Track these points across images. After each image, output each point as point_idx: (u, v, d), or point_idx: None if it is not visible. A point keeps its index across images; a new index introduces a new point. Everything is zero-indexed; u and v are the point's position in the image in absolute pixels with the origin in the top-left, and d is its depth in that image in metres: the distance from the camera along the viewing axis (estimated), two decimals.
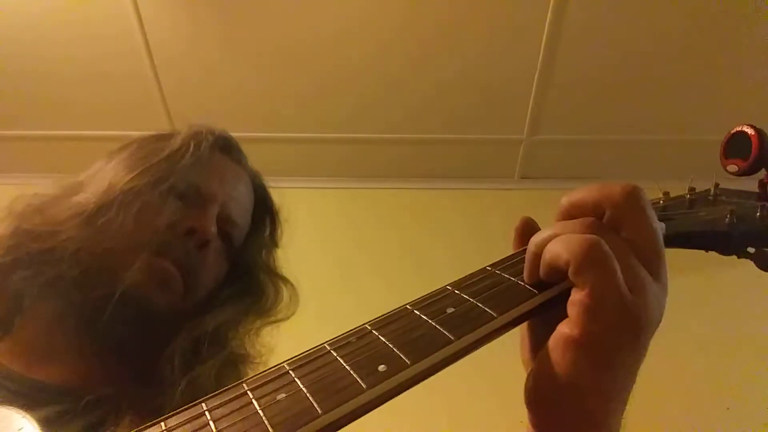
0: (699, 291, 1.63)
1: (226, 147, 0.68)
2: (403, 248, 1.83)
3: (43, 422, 0.38)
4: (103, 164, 0.61)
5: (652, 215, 0.34)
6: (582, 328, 0.30)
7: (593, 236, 0.31)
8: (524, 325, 0.38)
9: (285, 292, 0.69)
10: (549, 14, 1.68)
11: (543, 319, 0.35)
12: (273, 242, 0.73)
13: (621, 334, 0.30)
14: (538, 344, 0.37)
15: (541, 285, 0.34)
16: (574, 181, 1.97)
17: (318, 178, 2.04)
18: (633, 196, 0.33)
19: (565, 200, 0.36)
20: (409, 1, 1.70)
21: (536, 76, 1.81)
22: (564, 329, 0.31)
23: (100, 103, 1.88)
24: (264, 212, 0.72)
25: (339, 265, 1.80)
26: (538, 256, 0.33)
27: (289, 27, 1.75)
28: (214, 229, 0.58)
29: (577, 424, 0.32)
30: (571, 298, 0.31)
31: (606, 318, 0.30)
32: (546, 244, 0.33)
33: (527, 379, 0.34)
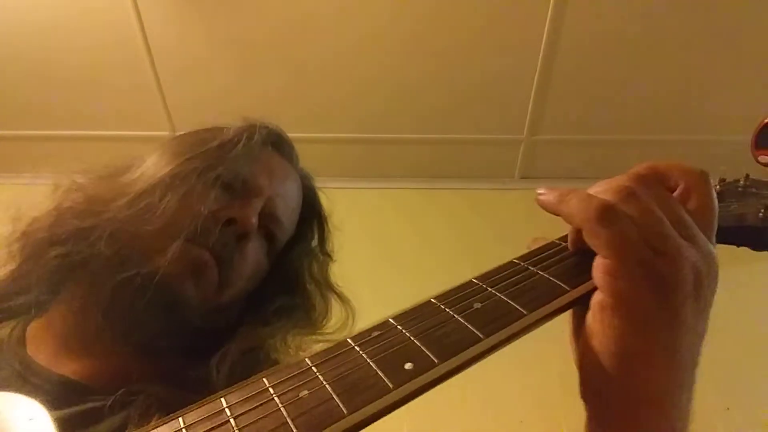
0: None
1: (279, 143, 0.66)
2: (402, 248, 1.83)
3: (64, 422, 0.37)
4: (153, 151, 0.59)
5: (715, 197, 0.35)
6: (608, 289, 0.30)
7: (606, 201, 0.31)
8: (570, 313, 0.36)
9: (338, 309, 0.66)
10: (549, 14, 1.68)
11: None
12: (323, 252, 0.70)
13: (646, 292, 0.29)
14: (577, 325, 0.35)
15: (573, 281, 0.32)
16: (574, 181, 1.98)
17: (317, 178, 2.04)
18: (706, 177, 0.35)
19: (642, 168, 0.36)
20: (409, 2, 1.70)
21: (536, 76, 1.81)
22: (596, 297, 0.31)
23: (100, 103, 1.88)
24: (312, 216, 0.69)
25: (338, 265, 1.79)
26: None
27: (290, 27, 1.75)
28: (255, 221, 0.55)
29: (633, 412, 0.30)
30: (594, 264, 0.31)
31: (628, 275, 0.30)
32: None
33: (579, 372, 0.33)
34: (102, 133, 1.93)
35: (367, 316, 0.33)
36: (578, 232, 0.34)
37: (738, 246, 0.41)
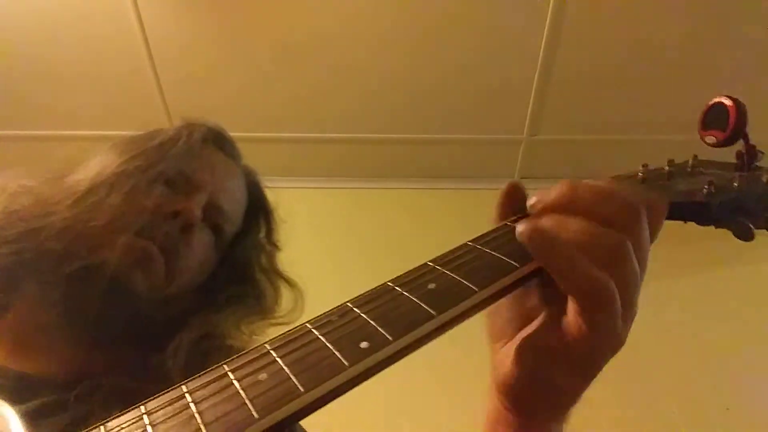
0: (699, 291, 1.63)
1: (220, 141, 0.68)
2: (403, 248, 1.83)
3: (29, 416, 0.38)
4: (97, 152, 0.62)
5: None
6: (574, 350, 0.32)
7: (609, 282, 0.31)
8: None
9: (288, 294, 0.69)
10: (549, 14, 1.68)
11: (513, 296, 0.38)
12: (270, 243, 0.72)
13: (608, 357, 0.33)
14: (507, 319, 0.39)
15: (521, 257, 0.33)
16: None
17: (317, 178, 2.04)
18: (639, 214, 0.34)
19: (589, 189, 0.34)
20: (408, 1, 1.70)
21: (536, 76, 1.81)
22: (552, 342, 0.33)
23: (100, 103, 1.88)
24: (258, 211, 0.72)
25: (339, 265, 1.80)
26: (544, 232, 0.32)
27: (289, 27, 1.75)
28: (198, 213, 0.58)
29: (550, 414, 0.36)
30: (569, 316, 0.32)
31: (600, 348, 0.33)
32: (564, 234, 0.32)
33: (506, 367, 0.36)
34: (102, 133, 1.93)
35: None
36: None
37: (685, 221, 0.42)
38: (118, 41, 1.77)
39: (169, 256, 0.55)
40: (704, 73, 1.79)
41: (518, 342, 0.36)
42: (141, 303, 0.53)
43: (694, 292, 1.64)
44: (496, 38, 1.75)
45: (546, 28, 1.71)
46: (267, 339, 0.31)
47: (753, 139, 0.47)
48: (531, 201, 0.35)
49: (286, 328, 0.30)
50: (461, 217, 1.91)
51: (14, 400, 0.39)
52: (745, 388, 1.50)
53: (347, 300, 0.32)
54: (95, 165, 0.58)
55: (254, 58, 1.82)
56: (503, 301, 0.38)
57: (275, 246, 0.73)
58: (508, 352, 0.37)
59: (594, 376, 0.34)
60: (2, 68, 1.82)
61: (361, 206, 1.99)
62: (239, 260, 0.66)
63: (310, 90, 1.87)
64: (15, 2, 1.70)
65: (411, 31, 1.75)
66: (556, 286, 0.32)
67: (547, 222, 0.33)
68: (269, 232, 0.73)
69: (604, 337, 0.32)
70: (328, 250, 1.84)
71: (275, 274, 0.70)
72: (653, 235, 0.34)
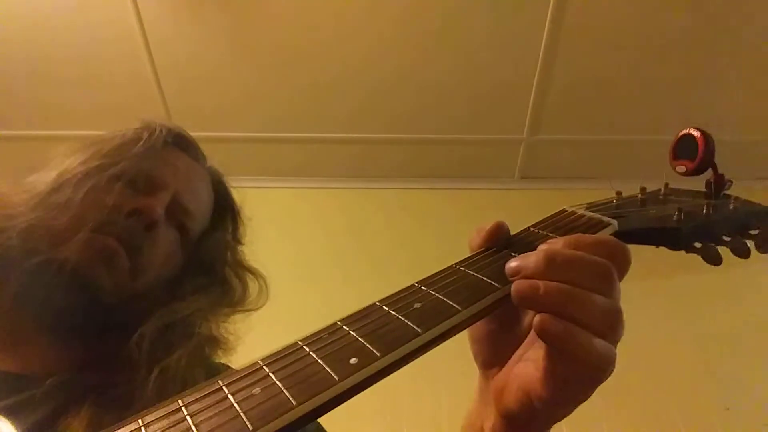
0: (699, 291, 1.63)
1: (182, 142, 0.68)
2: (403, 248, 1.83)
3: (3, 412, 0.38)
4: (57, 153, 0.62)
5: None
6: (551, 391, 0.33)
7: (612, 349, 0.32)
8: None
9: (254, 284, 0.70)
10: (549, 14, 1.68)
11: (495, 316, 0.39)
12: (236, 240, 0.73)
13: (587, 392, 0.34)
14: (498, 346, 0.41)
15: (502, 279, 0.35)
16: (574, 181, 1.99)
17: (317, 178, 2.04)
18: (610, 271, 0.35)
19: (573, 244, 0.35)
20: (409, 1, 1.70)
21: (536, 76, 1.81)
22: (530, 377, 0.35)
23: (100, 103, 1.89)
24: (225, 211, 0.72)
25: (338, 265, 1.80)
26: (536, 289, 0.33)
27: (290, 28, 1.76)
28: (160, 210, 0.58)
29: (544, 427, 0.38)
30: (546, 356, 0.33)
31: (577, 383, 0.33)
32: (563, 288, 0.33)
33: (506, 402, 0.37)
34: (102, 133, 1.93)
35: None
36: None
37: (657, 246, 0.44)
38: (118, 42, 1.77)
39: (133, 253, 0.55)
40: (704, 73, 1.79)
41: (514, 386, 0.37)
42: (106, 298, 0.53)
43: (694, 292, 1.64)
44: (496, 39, 1.76)
45: (546, 28, 1.71)
46: (260, 356, 0.32)
47: (754, 138, 0.47)
48: (511, 265, 0.35)
49: (278, 329, 0.31)
50: (461, 217, 1.92)
51: None
52: (745, 388, 1.50)
53: (337, 319, 0.34)
54: (56, 165, 0.59)
55: (255, 59, 1.82)
56: (491, 329, 0.40)
57: (239, 242, 0.74)
58: (504, 380, 0.38)
59: (573, 407, 0.35)
60: (2, 68, 1.82)
61: (362, 206, 1.99)
62: (206, 256, 0.66)
63: (310, 90, 1.88)
64: (15, 2, 1.70)
65: (412, 32, 1.75)
66: None
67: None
68: (235, 230, 0.74)
69: (591, 386, 0.33)
70: (328, 249, 1.84)
71: (240, 267, 0.71)
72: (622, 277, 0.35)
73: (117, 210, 0.55)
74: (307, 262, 1.77)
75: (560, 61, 1.78)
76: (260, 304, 0.69)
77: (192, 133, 0.69)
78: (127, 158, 0.59)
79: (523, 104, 1.88)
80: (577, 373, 0.32)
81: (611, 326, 0.32)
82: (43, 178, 0.58)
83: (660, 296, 1.62)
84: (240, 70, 1.85)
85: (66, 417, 0.47)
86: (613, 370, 0.33)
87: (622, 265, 0.34)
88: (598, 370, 0.32)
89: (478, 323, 0.37)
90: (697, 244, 0.43)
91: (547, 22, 1.70)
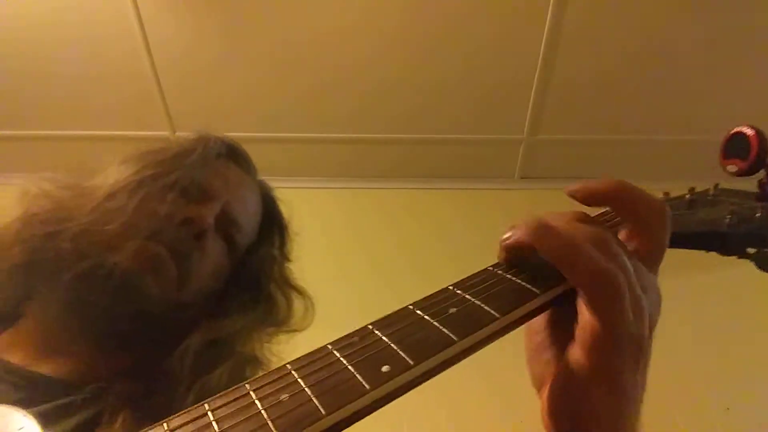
0: (699, 291, 1.63)
1: (234, 155, 0.69)
2: (403, 248, 1.83)
3: (41, 416, 0.38)
4: (115, 159, 0.63)
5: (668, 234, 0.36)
6: (591, 356, 0.31)
7: (614, 270, 0.31)
8: (527, 326, 0.38)
9: (299, 304, 0.69)
10: (549, 14, 1.68)
11: (547, 320, 0.37)
12: (283, 256, 0.73)
13: (627, 360, 0.32)
14: (540, 345, 0.38)
15: (543, 285, 0.33)
16: (575, 181, 1.98)
17: (317, 178, 2.04)
18: (666, 216, 0.35)
19: (594, 187, 0.36)
20: (409, 1, 1.70)
21: (536, 76, 1.81)
22: (574, 355, 0.32)
23: (100, 103, 1.88)
24: (272, 224, 0.73)
25: (338, 265, 1.80)
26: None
27: (289, 27, 1.75)
28: (211, 220, 0.59)
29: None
30: (581, 323, 0.32)
31: (616, 347, 0.31)
32: (562, 237, 0.33)
33: (546, 393, 0.35)
34: (102, 133, 1.93)
35: (368, 316, 0.34)
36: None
37: (707, 251, 0.43)
38: (118, 41, 1.77)
39: (181, 262, 0.55)
40: (704, 73, 1.79)
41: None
42: (152, 306, 0.53)
43: (694, 292, 1.64)
44: (496, 39, 1.75)
45: (546, 28, 1.71)
46: (289, 360, 0.31)
47: None
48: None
49: (296, 336, 0.30)
50: (461, 217, 1.92)
51: (30, 400, 0.40)
52: (745, 388, 1.50)
53: (369, 322, 0.33)
54: (113, 173, 0.60)
55: (254, 59, 1.82)
56: (540, 347, 0.38)
57: (287, 258, 0.74)
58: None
59: (615, 386, 0.32)
60: (2, 68, 1.82)
61: (361, 206, 1.99)
62: (252, 271, 0.66)
63: (310, 90, 1.87)
64: (15, 2, 1.70)
65: (412, 32, 1.75)
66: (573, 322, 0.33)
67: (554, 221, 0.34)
68: (282, 245, 0.74)
69: (618, 341, 0.31)
70: (328, 250, 1.84)
71: (286, 284, 0.71)
72: (655, 227, 0.35)
73: (169, 219, 0.56)
74: (304, 262, 1.77)
75: (560, 61, 1.77)
76: (305, 325, 0.68)
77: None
78: (180, 168, 0.60)
79: (523, 104, 1.87)
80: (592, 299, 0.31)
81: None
82: (99, 184, 0.58)
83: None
84: (240, 69, 1.84)
85: (102, 425, 0.46)
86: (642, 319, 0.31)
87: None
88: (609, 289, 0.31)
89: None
90: (751, 250, 0.41)
91: (547, 22, 1.70)
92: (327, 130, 1.96)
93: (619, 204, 0.37)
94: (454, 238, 1.84)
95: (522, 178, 2.04)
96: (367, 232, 1.92)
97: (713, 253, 0.44)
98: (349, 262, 1.82)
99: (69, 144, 1.93)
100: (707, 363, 1.54)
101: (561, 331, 0.36)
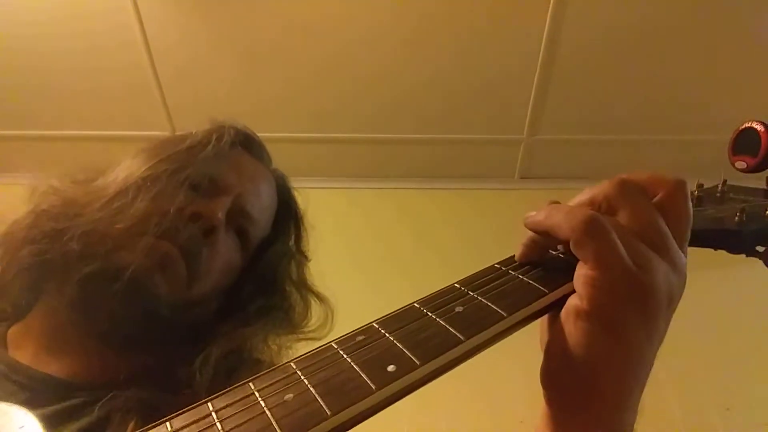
0: (699, 291, 1.63)
1: (248, 143, 0.67)
2: (402, 249, 1.83)
3: (46, 418, 0.38)
4: (126, 155, 0.62)
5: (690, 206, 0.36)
6: (589, 298, 0.31)
7: (593, 212, 0.32)
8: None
9: (318, 310, 0.68)
10: (549, 14, 1.68)
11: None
12: (299, 252, 0.71)
13: (627, 304, 0.31)
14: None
15: (552, 283, 0.33)
16: (574, 181, 1.98)
17: (317, 178, 2.04)
18: (683, 186, 0.36)
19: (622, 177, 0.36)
20: (410, 3, 1.70)
21: (536, 76, 1.81)
22: (574, 301, 0.32)
23: (99, 103, 1.88)
24: (288, 216, 0.70)
25: (337, 265, 1.79)
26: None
27: (287, 24, 1.75)
28: (222, 216, 0.56)
29: (589, 403, 0.31)
30: (576, 272, 0.32)
31: (611, 287, 0.31)
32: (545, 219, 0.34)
33: (543, 358, 0.34)
34: (102, 133, 1.93)
35: (367, 316, 0.34)
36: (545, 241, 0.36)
37: (715, 249, 0.42)
38: (117, 40, 1.77)
39: (191, 259, 0.54)
40: (704, 73, 1.79)
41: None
42: (161, 305, 0.52)
43: (694, 292, 1.63)
44: (496, 38, 1.75)
45: (546, 28, 1.71)
46: (293, 357, 0.31)
47: None
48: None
49: (314, 344, 0.29)
50: (461, 217, 1.92)
51: (34, 400, 0.40)
52: (745, 388, 1.50)
53: (373, 320, 0.32)
54: (124, 169, 0.58)
55: (252, 58, 1.82)
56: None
57: (304, 256, 0.72)
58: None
59: (618, 334, 0.30)
60: (2, 68, 1.82)
61: (361, 206, 1.99)
62: (267, 267, 0.64)
63: (308, 89, 1.87)
64: (14, 1, 1.70)
65: (411, 31, 1.75)
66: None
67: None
68: (298, 240, 0.71)
69: (613, 280, 0.31)
70: (326, 250, 1.84)
71: (305, 288, 0.69)
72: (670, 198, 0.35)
73: (178, 215, 0.54)
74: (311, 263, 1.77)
75: (560, 60, 1.77)
76: (324, 332, 0.66)
77: None
78: (194, 162, 0.58)
79: (523, 104, 1.87)
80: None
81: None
82: (110, 180, 0.57)
83: None
84: (237, 68, 1.84)
85: (111, 429, 0.46)
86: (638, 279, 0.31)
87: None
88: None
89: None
90: (760, 248, 0.41)
91: (547, 22, 1.70)
92: (327, 130, 1.96)
93: (627, 197, 0.36)
94: (453, 238, 1.85)
95: (522, 178, 2.04)
96: (366, 232, 1.91)
97: (711, 250, 0.44)
98: (347, 262, 1.82)
99: (69, 144, 1.93)
100: (707, 363, 1.54)
101: None
